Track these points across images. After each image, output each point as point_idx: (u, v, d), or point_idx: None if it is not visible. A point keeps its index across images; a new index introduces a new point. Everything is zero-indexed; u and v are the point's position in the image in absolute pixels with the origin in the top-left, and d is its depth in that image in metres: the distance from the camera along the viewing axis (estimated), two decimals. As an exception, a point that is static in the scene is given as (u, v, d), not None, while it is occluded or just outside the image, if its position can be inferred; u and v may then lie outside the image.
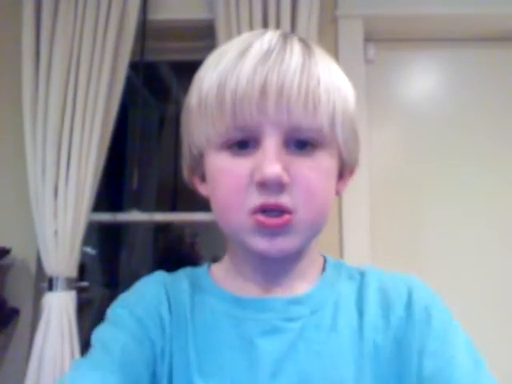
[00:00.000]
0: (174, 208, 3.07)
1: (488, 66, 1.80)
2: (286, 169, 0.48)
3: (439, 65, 1.84)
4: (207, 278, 0.59)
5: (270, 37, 0.52)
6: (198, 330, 0.54)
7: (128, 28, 1.63)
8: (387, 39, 1.80)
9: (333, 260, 0.61)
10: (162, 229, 3.07)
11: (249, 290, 0.56)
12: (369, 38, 1.75)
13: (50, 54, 1.56)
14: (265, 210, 0.48)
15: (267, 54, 0.49)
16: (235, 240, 0.54)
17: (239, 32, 1.56)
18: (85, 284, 1.65)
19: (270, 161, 0.47)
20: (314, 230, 0.52)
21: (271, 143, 0.48)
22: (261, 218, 0.48)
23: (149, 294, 0.58)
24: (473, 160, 1.74)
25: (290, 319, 0.53)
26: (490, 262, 1.67)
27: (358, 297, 0.56)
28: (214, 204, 0.53)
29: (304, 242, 0.52)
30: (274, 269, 0.55)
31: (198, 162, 0.55)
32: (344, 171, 0.56)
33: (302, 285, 0.56)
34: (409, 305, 0.54)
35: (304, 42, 0.53)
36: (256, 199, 0.48)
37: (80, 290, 1.59)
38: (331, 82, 0.52)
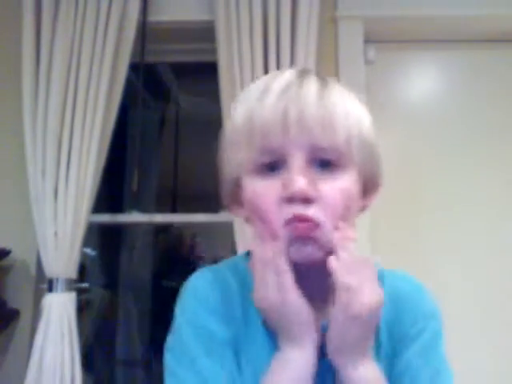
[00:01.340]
0: (174, 209, 3.07)
1: (488, 67, 1.80)
2: (311, 184, 0.53)
3: (439, 66, 1.84)
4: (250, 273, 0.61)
5: (289, 74, 0.58)
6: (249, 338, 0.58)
7: (128, 29, 1.63)
8: (387, 40, 1.81)
9: None
10: (161, 230, 3.07)
11: None
12: (368, 39, 1.75)
13: (50, 55, 1.57)
14: (297, 220, 0.53)
15: (287, 86, 0.56)
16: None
17: (239, 33, 1.56)
18: (85, 285, 1.65)
19: (296, 176, 0.53)
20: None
21: (295, 161, 0.54)
22: (294, 224, 0.53)
23: (213, 296, 0.59)
24: (473, 160, 1.73)
25: None
26: (492, 261, 1.67)
27: None
28: (254, 223, 0.58)
29: (328, 250, 0.56)
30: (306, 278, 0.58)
31: (235, 189, 0.60)
32: (368, 189, 0.61)
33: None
34: None
35: (320, 76, 0.59)
36: (287, 212, 0.53)
37: (80, 291, 1.59)
38: (346, 106, 0.57)
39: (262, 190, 0.55)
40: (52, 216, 1.50)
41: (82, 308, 1.70)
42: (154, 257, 2.86)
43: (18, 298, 1.58)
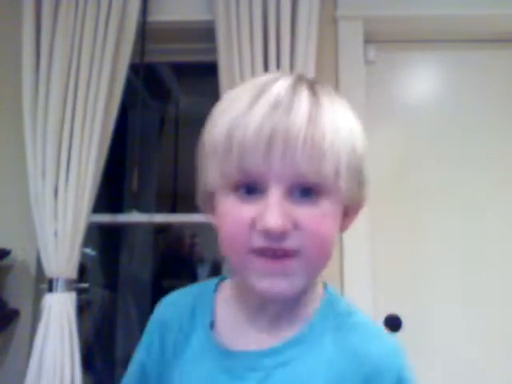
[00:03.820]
0: (173, 209, 3.07)
1: (487, 66, 1.80)
2: (289, 215, 0.49)
3: (439, 66, 1.84)
4: (210, 307, 0.62)
5: (280, 86, 0.52)
6: (186, 360, 0.60)
7: (128, 29, 1.63)
8: (387, 40, 1.81)
9: (328, 298, 0.60)
10: (161, 230, 3.07)
11: (243, 329, 0.59)
12: (369, 39, 1.75)
13: (50, 55, 1.57)
14: (265, 252, 0.50)
15: (275, 105, 0.50)
16: (239, 276, 0.57)
17: (239, 33, 1.56)
18: (85, 285, 1.65)
19: (272, 212, 0.49)
20: (317, 269, 0.54)
21: (274, 193, 0.50)
22: (261, 260, 0.50)
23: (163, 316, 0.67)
24: (473, 161, 1.73)
25: (253, 369, 0.56)
26: (492, 268, 1.67)
27: (334, 360, 0.55)
28: (220, 240, 0.55)
29: (306, 283, 0.53)
30: (272, 308, 0.58)
31: (210, 198, 0.57)
32: (349, 211, 0.57)
33: (290, 328, 0.57)
34: None
35: (313, 90, 0.53)
36: (258, 242, 0.50)
37: (80, 291, 1.59)
38: (337, 135, 0.51)
39: (235, 212, 0.51)
40: (52, 216, 1.50)
41: (81, 308, 1.70)
42: (153, 257, 2.87)
43: (18, 298, 1.58)
